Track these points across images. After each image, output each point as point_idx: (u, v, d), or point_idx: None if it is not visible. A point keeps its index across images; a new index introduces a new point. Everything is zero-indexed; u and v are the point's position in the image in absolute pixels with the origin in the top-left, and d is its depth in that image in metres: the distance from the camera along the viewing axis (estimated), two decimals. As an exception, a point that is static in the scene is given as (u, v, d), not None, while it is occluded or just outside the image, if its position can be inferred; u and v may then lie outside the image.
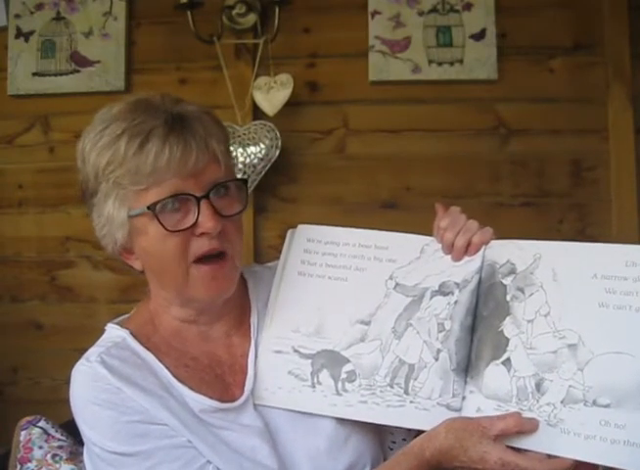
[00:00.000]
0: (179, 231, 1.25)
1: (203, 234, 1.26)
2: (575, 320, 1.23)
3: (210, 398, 1.31)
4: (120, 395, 1.26)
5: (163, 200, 1.24)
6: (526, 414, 1.20)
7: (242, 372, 1.38)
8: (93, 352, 1.32)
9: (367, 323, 1.36)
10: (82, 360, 1.31)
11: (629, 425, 1.14)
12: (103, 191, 1.28)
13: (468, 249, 1.36)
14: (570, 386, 1.19)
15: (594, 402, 1.17)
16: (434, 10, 2.66)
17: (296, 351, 1.38)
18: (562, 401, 1.19)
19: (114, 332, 1.37)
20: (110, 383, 1.26)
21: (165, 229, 1.24)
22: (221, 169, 1.29)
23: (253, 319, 1.43)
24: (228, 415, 1.31)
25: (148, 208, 1.24)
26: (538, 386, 1.22)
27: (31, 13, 2.73)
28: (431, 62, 2.65)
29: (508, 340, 1.27)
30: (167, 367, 1.32)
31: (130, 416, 1.25)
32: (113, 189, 1.26)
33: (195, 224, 1.25)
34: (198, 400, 1.30)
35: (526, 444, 1.19)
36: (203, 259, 1.28)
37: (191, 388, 1.31)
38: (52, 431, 1.72)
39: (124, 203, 1.26)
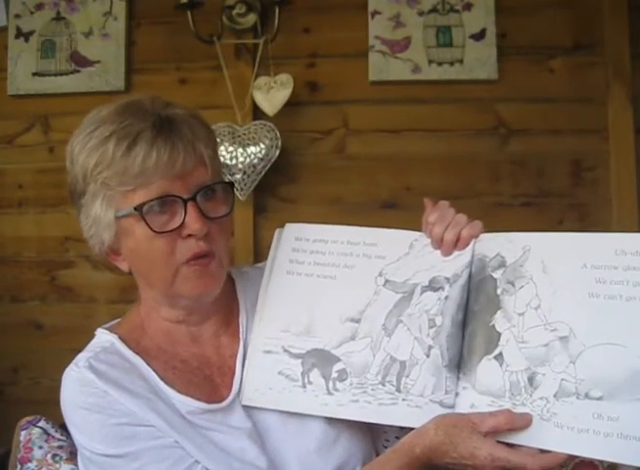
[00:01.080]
0: (165, 232, 1.26)
1: (189, 236, 1.27)
2: (566, 312, 1.22)
3: (198, 399, 1.31)
4: (107, 398, 1.26)
5: (150, 201, 1.24)
6: (520, 409, 1.19)
7: (230, 373, 1.38)
8: (82, 358, 1.33)
9: (357, 321, 1.36)
10: (71, 366, 1.33)
11: (622, 417, 1.12)
12: (91, 192, 1.29)
13: (457, 243, 1.34)
14: (562, 379, 1.18)
15: (586, 395, 1.16)
16: (434, 10, 2.65)
17: (285, 350, 1.37)
18: (555, 395, 1.18)
19: (103, 337, 1.38)
20: (97, 387, 1.27)
21: (152, 230, 1.25)
22: (208, 172, 1.30)
23: (242, 319, 1.43)
24: (216, 416, 1.32)
25: (135, 209, 1.25)
26: (531, 380, 1.20)
27: (31, 13, 2.73)
28: (431, 62, 2.64)
29: (499, 334, 1.26)
30: (155, 371, 1.32)
31: (117, 419, 1.26)
32: (100, 190, 1.27)
33: (181, 226, 1.26)
34: (185, 402, 1.30)
35: (520, 439, 1.18)
36: (190, 260, 1.29)
37: (178, 390, 1.31)
38: (52, 431, 1.72)
39: (112, 204, 1.27)
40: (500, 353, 1.25)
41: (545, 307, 1.24)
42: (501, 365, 1.24)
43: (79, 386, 1.28)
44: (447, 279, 1.33)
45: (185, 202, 1.25)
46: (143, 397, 1.28)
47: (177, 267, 1.28)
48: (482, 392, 1.24)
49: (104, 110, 1.31)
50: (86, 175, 1.28)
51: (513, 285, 1.27)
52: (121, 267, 1.36)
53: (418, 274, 1.36)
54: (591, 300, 1.21)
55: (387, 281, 1.37)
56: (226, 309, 1.43)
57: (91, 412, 1.26)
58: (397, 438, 1.45)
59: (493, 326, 1.27)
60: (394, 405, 1.29)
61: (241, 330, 1.42)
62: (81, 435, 1.29)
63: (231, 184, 1.36)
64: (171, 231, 1.26)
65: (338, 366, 1.34)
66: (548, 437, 1.17)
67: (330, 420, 1.34)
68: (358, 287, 1.38)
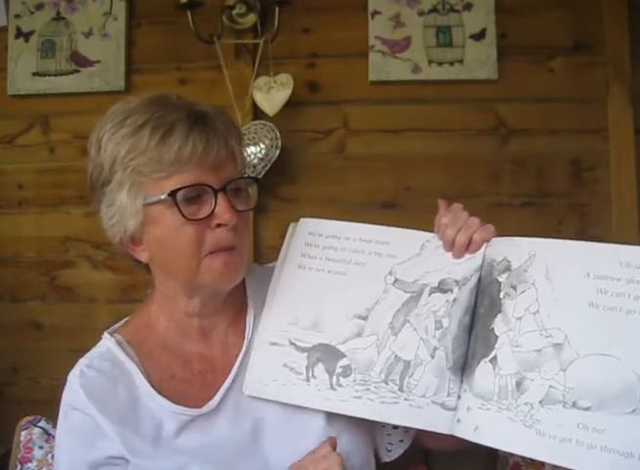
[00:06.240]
0: (196, 220, 1.26)
1: (219, 226, 1.28)
2: (564, 319, 1.20)
3: (190, 406, 1.33)
4: (88, 423, 1.31)
5: (185, 188, 1.25)
6: (504, 413, 1.18)
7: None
8: (80, 364, 1.37)
9: (364, 318, 1.35)
10: (74, 369, 1.36)
11: (608, 430, 1.10)
12: (117, 180, 1.29)
13: (469, 246, 1.34)
14: (550, 386, 1.17)
15: (574, 404, 1.14)
16: (434, 10, 2.65)
17: (292, 343, 1.37)
18: (540, 402, 1.16)
19: (103, 342, 1.40)
20: (82, 406, 1.32)
21: (184, 217, 1.25)
22: (237, 167, 1.32)
23: (249, 318, 1.43)
24: (207, 420, 1.33)
25: (169, 194, 1.25)
26: (519, 384, 1.19)
27: (31, 13, 2.73)
28: (431, 62, 2.64)
29: (497, 337, 1.25)
30: (149, 379, 1.34)
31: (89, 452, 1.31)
32: (129, 177, 1.27)
33: (211, 215, 1.27)
34: (175, 411, 1.31)
35: (500, 444, 1.18)
36: (214, 251, 1.29)
37: (171, 400, 1.33)
38: (52, 431, 1.73)
39: (141, 191, 1.27)
40: (495, 357, 1.24)
41: (543, 313, 1.22)
42: (494, 368, 1.23)
43: (70, 394, 1.34)
44: (456, 282, 1.33)
45: (216, 192, 1.27)
46: (118, 421, 1.30)
47: (201, 258, 1.29)
48: (476, 394, 1.24)
49: (132, 101, 1.32)
50: (115, 163, 1.28)
51: (515, 289, 1.26)
52: (140, 258, 1.36)
53: (428, 275, 1.36)
54: (590, 309, 1.19)
55: (396, 280, 1.37)
56: (236, 307, 1.44)
57: (68, 437, 1.33)
58: (402, 441, 1.46)
59: (492, 329, 1.26)
60: (396, 404, 1.29)
61: (247, 329, 1.42)
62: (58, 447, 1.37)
63: (256, 180, 1.37)
64: (202, 220, 1.27)
65: (342, 362, 1.34)
66: (528, 444, 1.15)
67: (330, 423, 1.34)
68: (368, 284, 1.38)
